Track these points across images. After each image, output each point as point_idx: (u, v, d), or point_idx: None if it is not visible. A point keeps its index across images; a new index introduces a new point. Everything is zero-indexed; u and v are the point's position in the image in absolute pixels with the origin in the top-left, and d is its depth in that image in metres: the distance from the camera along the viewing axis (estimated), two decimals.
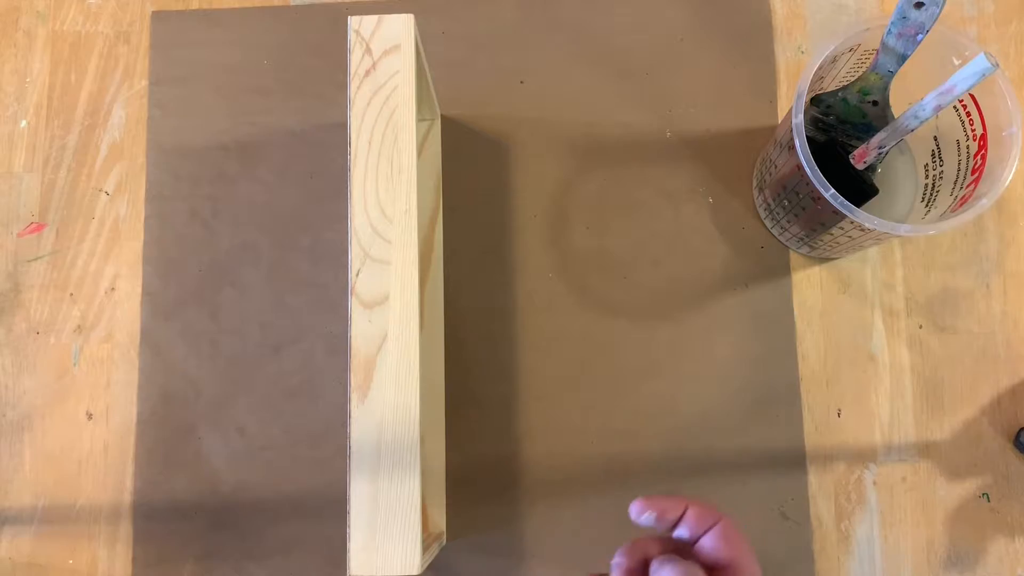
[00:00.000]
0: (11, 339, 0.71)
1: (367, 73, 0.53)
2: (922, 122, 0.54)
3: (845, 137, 0.63)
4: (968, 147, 0.60)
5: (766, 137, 0.72)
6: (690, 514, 0.38)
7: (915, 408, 0.68)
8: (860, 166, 0.60)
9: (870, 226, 0.55)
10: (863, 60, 0.60)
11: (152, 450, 0.68)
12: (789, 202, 0.63)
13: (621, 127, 0.72)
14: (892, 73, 0.56)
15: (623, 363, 0.69)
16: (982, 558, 0.66)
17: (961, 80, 0.51)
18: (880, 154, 0.59)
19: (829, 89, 0.61)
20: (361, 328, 0.50)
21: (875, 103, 0.59)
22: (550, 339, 0.69)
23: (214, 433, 0.68)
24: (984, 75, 0.50)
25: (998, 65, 0.50)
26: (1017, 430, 0.67)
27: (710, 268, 0.70)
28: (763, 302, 0.69)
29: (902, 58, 0.54)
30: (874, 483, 0.67)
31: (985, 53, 0.50)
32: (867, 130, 0.61)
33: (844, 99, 0.60)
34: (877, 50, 0.55)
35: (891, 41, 0.53)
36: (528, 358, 0.69)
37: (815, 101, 0.61)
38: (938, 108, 0.53)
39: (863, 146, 0.59)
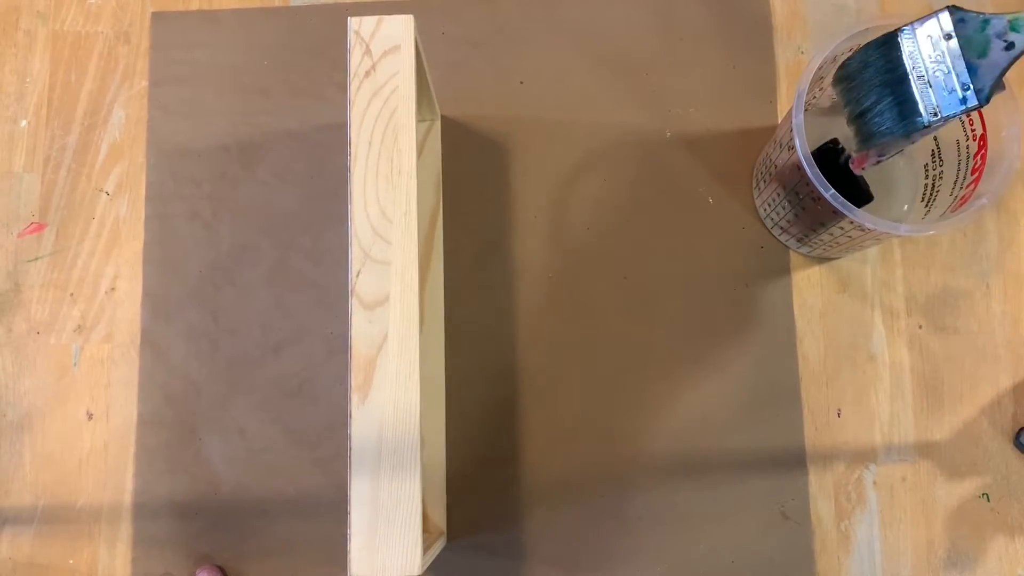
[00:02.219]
0: (11, 339, 0.71)
1: (367, 74, 0.53)
2: (924, 135, 0.53)
3: (879, 93, 0.53)
4: (968, 147, 0.60)
5: (766, 137, 0.72)
6: None
7: (915, 408, 0.68)
8: (858, 172, 0.60)
9: (870, 226, 0.55)
10: (917, 19, 0.56)
11: (152, 450, 0.68)
12: (789, 202, 0.63)
13: (621, 127, 0.72)
14: None
15: (623, 363, 0.69)
16: (982, 558, 0.66)
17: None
18: (879, 162, 0.58)
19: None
20: (361, 328, 0.51)
21: (1010, 46, 0.49)
22: (550, 339, 0.69)
23: (214, 433, 0.68)
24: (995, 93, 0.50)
25: (1005, 88, 0.50)
26: (1017, 430, 0.67)
27: (710, 268, 0.70)
28: (763, 302, 0.69)
29: None
30: (874, 483, 0.67)
31: None
32: (956, 74, 0.50)
33: (986, 21, 0.49)
34: None
35: None
36: (528, 358, 0.69)
37: (952, 9, 0.51)
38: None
39: (863, 152, 0.58)
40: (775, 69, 0.73)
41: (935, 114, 0.50)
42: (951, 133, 0.61)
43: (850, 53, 0.55)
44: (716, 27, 0.74)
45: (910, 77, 0.51)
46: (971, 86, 0.49)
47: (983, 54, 0.49)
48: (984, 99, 0.49)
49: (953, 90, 0.50)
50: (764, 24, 0.74)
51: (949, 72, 0.50)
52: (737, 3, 0.74)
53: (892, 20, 0.56)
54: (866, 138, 0.54)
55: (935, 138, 0.64)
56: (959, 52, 0.50)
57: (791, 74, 0.73)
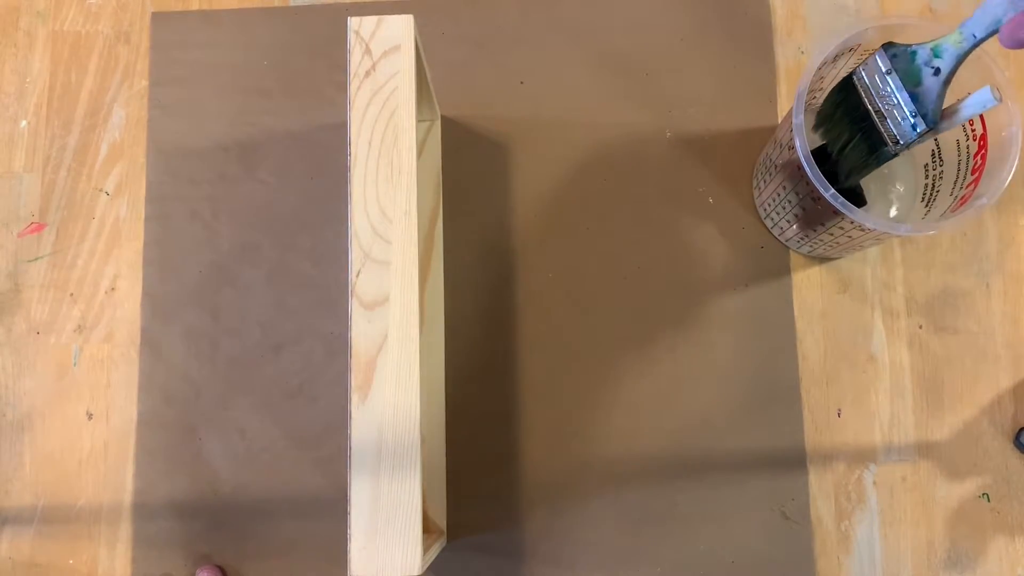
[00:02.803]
0: (11, 339, 0.71)
1: (367, 74, 0.53)
2: (921, 142, 0.54)
3: (878, 106, 0.56)
4: (968, 147, 0.60)
5: (766, 137, 0.72)
6: None
7: (915, 408, 0.68)
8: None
9: (870, 226, 0.55)
10: (863, 60, 0.60)
11: (152, 450, 0.68)
12: (789, 202, 0.63)
13: (621, 127, 0.72)
14: (975, 40, 0.50)
15: (623, 363, 0.69)
16: (982, 558, 0.66)
17: (965, 109, 0.52)
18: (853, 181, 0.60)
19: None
20: (361, 328, 0.50)
21: (937, 71, 0.52)
22: (550, 339, 0.69)
23: (214, 434, 0.68)
24: (987, 107, 0.52)
25: (1001, 100, 0.51)
26: (1017, 430, 0.67)
27: (710, 268, 0.70)
28: (763, 302, 0.69)
29: (996, 23, 0.48)
30: (874, 483, 0.67)
31: (991, 87, 0.51)
32: (902, 108, 0.53)
33: (913, 53, 0.53)
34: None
35: None
36: (528, 358, 0.69)
37: (886, 47, 0.54)
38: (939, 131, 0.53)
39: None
40: (775, 69, 0.73)
41: (897, 142, 0.54)
42: (951, 133, 0.61)
43: (822, 101, 0.59)
44: (716, 27, 0.74)
45: (871, 113, 0.55)
46: (917, 112, 0.53)
47: (918, 83, 0.53)
48: (931, 122, 0.53)
49: (905, 119, 0.53)
50: (764, 24, 0.74)
51: (897, 103, 0.53)
52: (737, 3, 0.74)
53: (891, 20, 0.57)
54: (849, 172, 0.58)
55: (935, 138, 0.64)
56: (900, 84, 0.53)
57: (791, 74, 0.73)
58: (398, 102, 0.53)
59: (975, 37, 0.50)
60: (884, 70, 0.53)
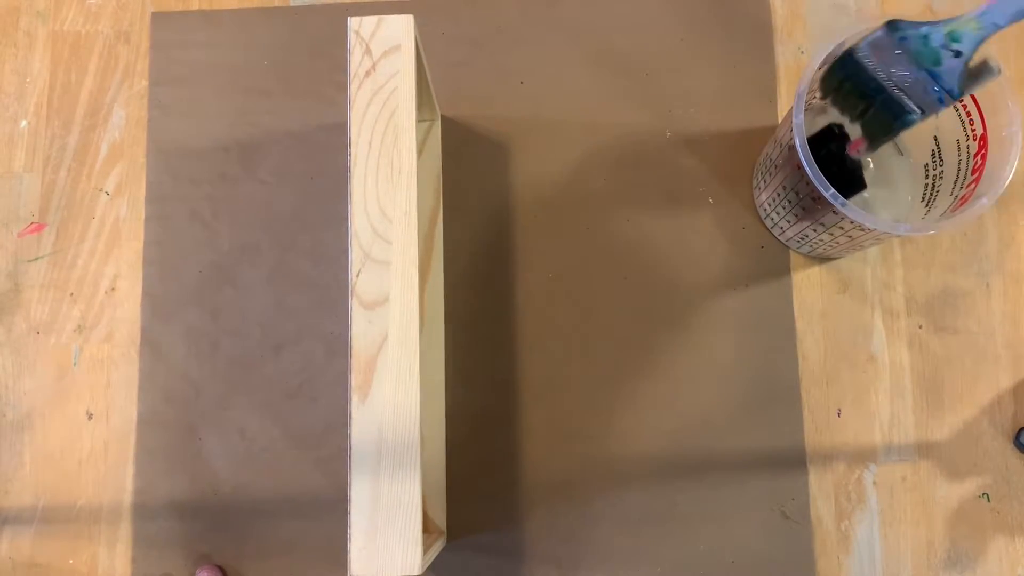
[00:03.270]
0: (11, 339, 0.71)
1: (367, 74, 0.53)
2: (919, 121, 0.54)
3: (886, 84, 0.55)
4: (968, 147, 0.60)
5: (766, 137, 0.72)
6: None
7: (915, 408, 0.68)
8: (854, 155, 0.60)
9: (870, 226, 0.55)
10: (862, 38, 0.59)
11: (152, 450, 0.68)
12: (789, 202, 0.63)
13: (621, 127, 0.72)
14: (996, 27, 0.49)
15: (623, 363, 0.69)
16: (982, 558, 0.66)
17: None
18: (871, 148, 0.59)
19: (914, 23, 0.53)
20: (361, 328, 0.51)
21: (958, 54, 0.51)
22: (550, 339, 0.69)
23: (214, 434, 0.68)
24: (987, 81, 0.51)
25: (1001, 71, 0.51)
26: (1017, 430, 0.67)
27: (710, 268, 0.70)
28: (763, 302, 0.69)
29: (1020, 13, 0.48)
30: (874, 483, 0.67)
31: (988, 59, 0.51)
32: (922, 82, 0.53)
33: (926, 36, 0.52)
34: None
35: None
36: (528, 358, 0.69)
37: (892, 27, 0.53)
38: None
39: (858, 137, 0.59)
40: (775, 69, 0.73)
41: (922, 111, 0.53)
42: (951, 133, 0.61)
43: (825, 69, 0.57)
44: (716, 27, 0.74)
45: (885, 88, 0.54)
46: (940, 87, 0.52)
47: (938, 63, 0.52)
48: (957, 96, 0.52)
49: (926, 92, 0.53)
50: (764, 24, 0.74)
51: (915, 78, 0.53)
52: (737, 3, 0.74)
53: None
54: (871, 138, 0.57)
55: (935, 138, 0.64)
56: (915, 65, 0.52)
57: (791, 74, 0.73)
58: (398, 102, 0.53)
59: (997, 26, 0.49)
60: (893, 47, 0.53)
